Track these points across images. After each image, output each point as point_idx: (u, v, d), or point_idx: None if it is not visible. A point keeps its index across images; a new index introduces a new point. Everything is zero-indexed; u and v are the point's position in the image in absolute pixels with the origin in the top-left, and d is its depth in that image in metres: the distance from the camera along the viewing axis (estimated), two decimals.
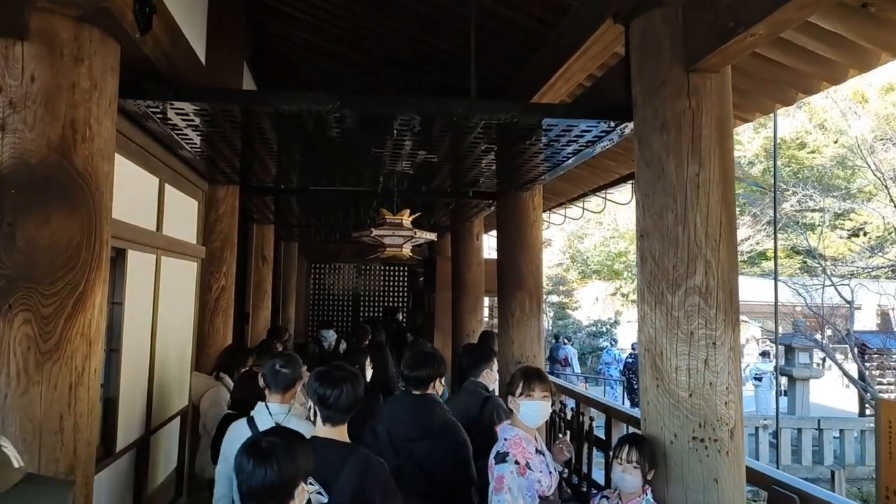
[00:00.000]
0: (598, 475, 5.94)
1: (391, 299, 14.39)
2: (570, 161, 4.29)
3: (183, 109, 3.11)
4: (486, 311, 9.87)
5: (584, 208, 8.88)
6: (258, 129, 3.62)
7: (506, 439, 2.65)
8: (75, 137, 2.41)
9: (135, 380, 3.74)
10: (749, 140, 28.72)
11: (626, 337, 26.69)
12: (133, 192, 3.61)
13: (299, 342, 13.04)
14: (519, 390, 2.69)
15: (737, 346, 2.79)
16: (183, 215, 4.71)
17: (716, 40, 2.61)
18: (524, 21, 4.23)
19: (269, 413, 2.80)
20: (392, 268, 14.29)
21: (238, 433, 2.69)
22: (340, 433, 2.28)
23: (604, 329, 20.42)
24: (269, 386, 2.88)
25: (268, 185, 5.86)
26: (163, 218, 4.11)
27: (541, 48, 4.37)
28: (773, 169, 30.24)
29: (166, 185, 4.17)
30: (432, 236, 5.63)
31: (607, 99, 3.35)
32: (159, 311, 4.08)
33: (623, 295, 35.08)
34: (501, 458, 2.59)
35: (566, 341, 16.28)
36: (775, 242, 9.56)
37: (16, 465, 1.06)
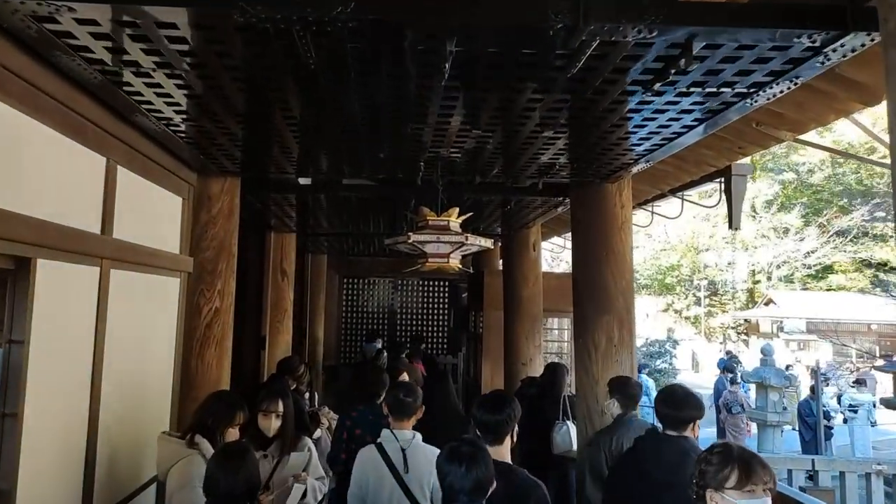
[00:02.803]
0: None
1: (430, 318, 13.10)
2: (697, 128, 2.92)
3: (93, 20, 1.86)
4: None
5: (653, 212, 7.47)
6: (237, 75, 2.37)
7: None
8: None
9: (56, 452, 2.50)
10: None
11: (683, 357, 24.76)
12: (52, 173, 2.39)
13: (330, 364, 11.89)
14: (733, 481, 1.91)
15: None
16: (155, 214, 3.50)
17: None
18: None
19: (397, 439, 3.02)
20: (431, 282, 13.02)
21: (370, 458, 3.02)
22: (497, 453, 2.50)
23: (661, 349, 18.69)
24: (392, 414, 3.12)
25: (279, 177, 4.63)
26: (113, 215, 2.89)
27: None
28: (837, 176, 28.09)
29: (120, 170, 2.95)
30: (488, 243, 4.30)
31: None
32: (108, 345, 2.85)
33: (675, 311, 33.16)
34: None
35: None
36: None
37: None
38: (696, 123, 2.85)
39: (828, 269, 28.97)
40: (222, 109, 2.78)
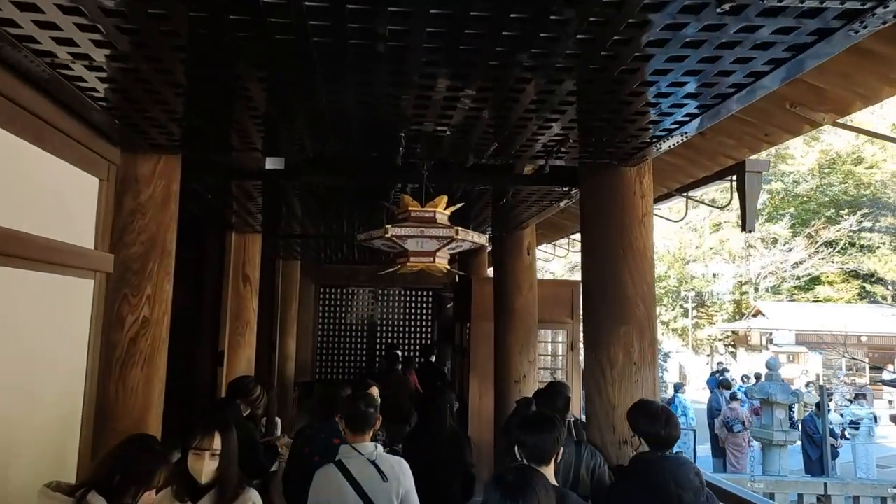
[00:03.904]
0: None
1: (413, 330, 12.31)
2: (768, 78, 2.21)
3: None
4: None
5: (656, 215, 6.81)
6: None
7: None
8: None
9: None
10: (802, 155, 26.42)
11: (671, 370, 24.15)
12: None
13: (305, 380, 11.07)
14: None
15: None
16: (55, 197, 2.71)
17: None
18: None
19: (360, 453, 2.88)
20: (414, 291, 12.23)
21: (328, 479, 2.83)
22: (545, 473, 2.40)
23: None
24: (352, 428, 2.97)
25: (232, 157, 3.86)
26: None
27: None
28: (823, 187, 27.97)
29: None
30: (482, 239, 3.56)
31: None
32: None
33: (663, 323, 32.56)
34: None
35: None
36: None
37: None
38: (767, 69, 2.13)
39: (815, 280, 28.68)
40: (137, 52, 2.02)
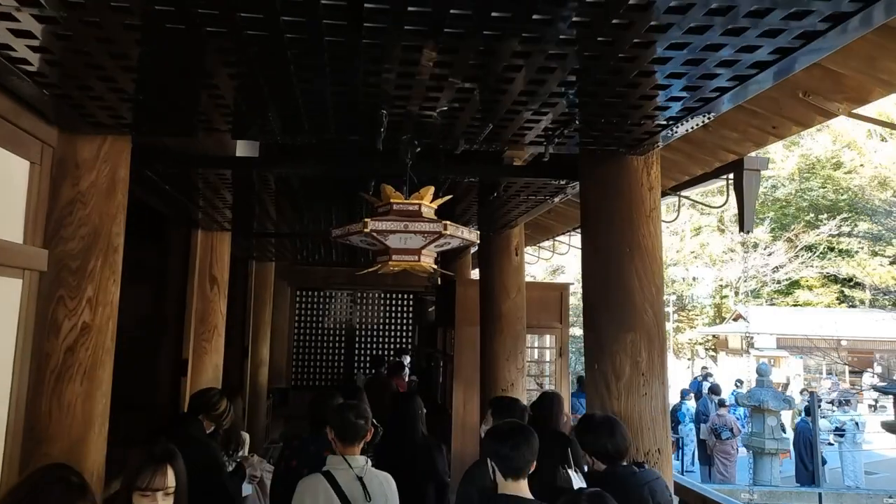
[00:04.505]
0: None
1: (393, 334, 11.90)
2: (816, 43, 1.86)
3: None
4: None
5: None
6: None
7: None
8: None
9: None
10: (782, 159, 26.50)
11: None
12: None
13: (280, 387, 10.63)
14: None
15: None
16: None
17: None
18: None
19: (350, 466, 2.81)
20: (395, 294, 11.83)
21: (315, 488, 2.74)
22: (519, 488, 2.39)
23: None
24: (342, 439, 2.88)
25: (189, 141, 3.43)
26: None
27: None
28: (802, 192, 28.11)
29: None
30: (473, 236, 3.18)
31: None
32: None
33: None
34: None
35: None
36: None
37: None
38: (824, 26, 1.79)
39: (795, 285, 28.82)
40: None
